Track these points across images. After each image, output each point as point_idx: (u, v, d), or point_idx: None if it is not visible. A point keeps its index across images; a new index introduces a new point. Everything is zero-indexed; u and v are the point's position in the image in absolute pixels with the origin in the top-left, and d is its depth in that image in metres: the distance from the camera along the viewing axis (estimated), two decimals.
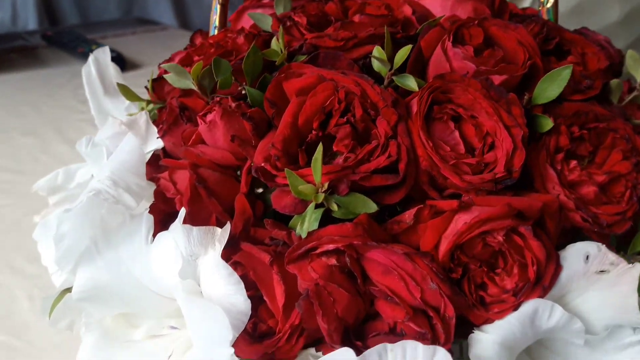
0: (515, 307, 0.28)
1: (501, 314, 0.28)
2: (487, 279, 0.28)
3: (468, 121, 0.31)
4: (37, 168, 0.91)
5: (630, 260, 0.30)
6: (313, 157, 0.27)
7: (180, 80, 0.34)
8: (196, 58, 0.38)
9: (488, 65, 0.32)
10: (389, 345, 0.25)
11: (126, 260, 0.31)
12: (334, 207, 0.28)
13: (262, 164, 0.30)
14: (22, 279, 0.63)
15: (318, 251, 0.28)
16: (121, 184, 0.32)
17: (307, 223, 0.28)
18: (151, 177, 0.35)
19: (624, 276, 0.27)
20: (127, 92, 0.40)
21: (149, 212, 0.32)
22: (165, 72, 0.36)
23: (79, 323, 0.33)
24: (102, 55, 0.47)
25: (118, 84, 0.40)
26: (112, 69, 0.47)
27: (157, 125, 0.37)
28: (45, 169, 0.61)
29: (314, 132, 0.31)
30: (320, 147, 0.27)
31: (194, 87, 0.34)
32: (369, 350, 0.25)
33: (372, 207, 0.28)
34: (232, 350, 0.25)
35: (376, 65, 0.32)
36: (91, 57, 0.46)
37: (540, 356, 0.33)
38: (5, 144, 1.02)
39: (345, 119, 0.30)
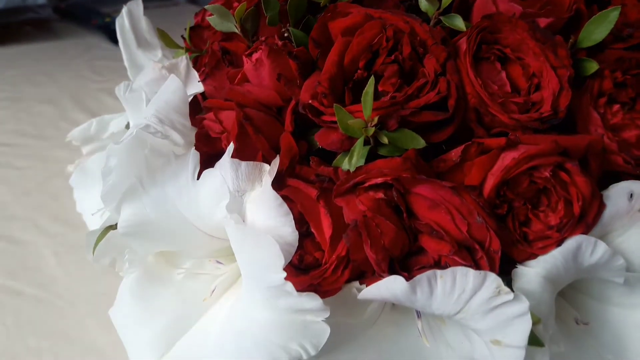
0: (559, 243, 0.28)
1: (545, 250, 0.28)
2: (532, 215, 0.29)
3: (515, 62, 0.31)
4: (56, 134, 0.91)
5: None
6: (364, 91, 0.28)
7: (223, 23, 0.35)
8: (236, 4, 0.38)
9: (534, 8, 0.32)
10: (439, 272, 0.25)
11: (172, 197, 0.31)
12: (385, 140, 0.28)
13: (310, 101, 0.30)
14: (47, 237, 0.64)
15: (366, 185, 0.28)
16: (166, 122, 0.32)
17: (355, 158, 0.28)
18: (194, 121, 0.35)
19: None
20: (165, 38, 0.40)
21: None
22: (202, 21, 0.36)
23: (120, 261, 0.34)
24: (135, 7, 0.47)
25: (158, 29, 0.40)
26: (144, 21, 0.47)
27: (197, 70, 0.37)
28: (64, 134, 0.62)
29: (359, 71, 0.31)
30: (372, 81, 0.27)
31: (237, 30, 0.34)
32: (419, 276, 0.25)
33: (421, 143, 0.28)
34: (284, 274, 0.25)
35: (423, 5, 0.32)
36: (124, 9, 0.46)
37: (576, 301, 0.33)
38: (24, 112, 1.03)
39: (392, 57, 0.30)
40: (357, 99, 0.29)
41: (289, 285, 0.25)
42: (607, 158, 0.31)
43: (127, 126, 0.43)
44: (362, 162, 0.29)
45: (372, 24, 0.30)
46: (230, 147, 0.29)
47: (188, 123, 0.34)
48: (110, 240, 0.34)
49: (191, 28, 0.40)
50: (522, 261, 0.29)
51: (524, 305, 0.25)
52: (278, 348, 0.26)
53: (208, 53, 0.36)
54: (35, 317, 0.51)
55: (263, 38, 0.32)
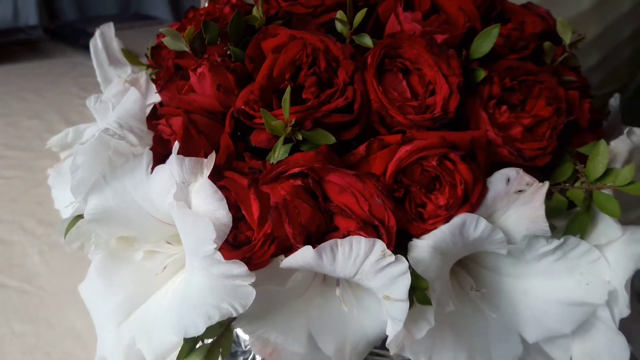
0: (447, 220, 0.34)
1: (435, 225, 0.34)
2: (425, 198, 0.35)
3: (414, 72, 0.37)
4: (41, 145, 0.97)
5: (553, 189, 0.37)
6: (283, 98, 0.34)
7: (175, 43, 0.41)
8: (188, 26, 0.44)
9: (432, 27, 0.38)
10: (339, 240, 0.31)
11: (130, 189, 0.37)
12: (299, 137, 0.34)
13: (243, 107, 0.36)
14: (33, 238, 0.69)
15: (286, 174, 0.34)
16: (125, 127, 0.38)
17: (277, 152, 0.34)
18: (151, 126, 0.41)
19: (536, 193, 0.34)
20: (130, 57, 0.46)
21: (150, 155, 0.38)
22: (162, 39, 0.42)
23: (87, 245, 0.40)
24: (107, 29, 0.53)
25: (123, 50, 0.46)
26: (115, 42, 0.53)
27: (155, 83, 0.43)
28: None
29: (285, 82, 0.37)
30: (288, 89, 0.33)
31: (187, 49, 0.40)
32: (323, 244, 0.31)
33: (331, 140, 0.34)
34: (215, 245, 0.31)
35: (339, 26, 0.38)
36: (98, 32, 0.52)
37: (478, 275, 0.39)
38: (12, 126, 1.09)
39: (312, 71, 0.36)
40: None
41: (219, 255, 0.31)
42: (495, 151, 0.37)
43: None
44: (285, 156, 0.35)
45: (295, 43, 0.37)
46: (176, 146, 0.35)
47: (145, 128, 0.39)
48: (80, 228, 0.39)
49: (152, 47, 0.46)
50: (418, 236, 0.34)
51: (404, 265, 0.31)
52: (212, 307, 0.32)
53: (164, 69, 0.42)
54: (20, 306, 0.57)
55: (206, 55, 0.38)
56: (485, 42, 0.37)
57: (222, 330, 0.35)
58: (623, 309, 0.33)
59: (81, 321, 0.54)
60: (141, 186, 0.37)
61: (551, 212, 0.37)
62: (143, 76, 0.43)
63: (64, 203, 0.44)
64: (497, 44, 0.40)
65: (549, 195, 0.37)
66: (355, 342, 0.38)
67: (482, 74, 0.37)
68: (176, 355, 0.35)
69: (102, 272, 0.38)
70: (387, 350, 0.46)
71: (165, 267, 0.37)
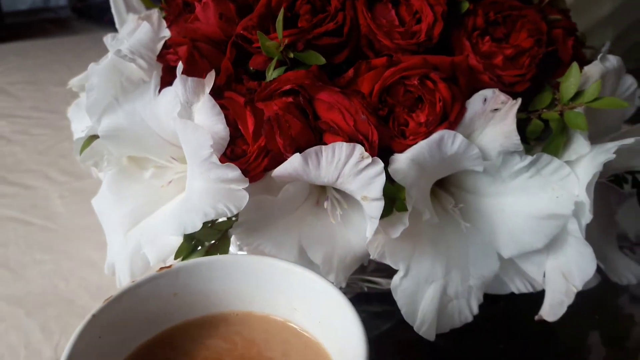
0: (427, 136, 0.36)
1: (415, 141, 0.36)
2: (408, 117, 0.37)
3: (402, 3, 0.40)
4: (66, 109, 1.03)
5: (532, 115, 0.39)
6: (276, 20, 0.37)
7: None
8: None
9: None
10: (322, 147, 0.34)
11: (139, 110, 0.41)
12: (291, 55, 0.37)
13: (242, 32, 0.39)
14: (55, 184, 0.74)
15: (279, 91, 0.37)
16: (136, 53, 0.41)
17: (271, 71, 0.37)
18: (160, 58, 0.44)
19: (511, 110, 0.36)
20: (145, 0, 0.49)
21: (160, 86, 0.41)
22: None
23: (100, 163, 0.43)
24: None
25: None
26: None
27: (166, 20, 0.46)
28: None
29: (282, 10, 0.40)
30: (282, 11, 0.37)
31: None
32: (308, 149, 0.34)
33: (321, 60, 0.37)
34: (212, 150, 0.34)
35: None
36: None
37: (461, 198, 0.42)
38: (41, 92, 1.14)
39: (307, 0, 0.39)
40: None
41: (214, 158, 0.35)
42: (476, 77, 0.39)
43: None
44: (278, 75, 0.38)
45: None
46: (180, 67, 0.38)
47: (154, 56, 0.43)
48: (94, 148, 0.43)
49: None
50: (400, 152, 0.37)
51: (379, 166, 0.33)
52: (209, 207, 0.35)
53: (172, 5, 0.45)
54: (42, 239, 0.61)
55: None
56: None
57: (220, 236, 0.39)
58: (587, 215, 0.35)
59: (98, 253, 0.58)
60: (149, 106, 0.40)
61: (530, 135, 0.39)
62: (155, 13, 0.46)
63: (81, 134, 0.47)
64: None
65: (529, 120, 0.39)
66: (343, 255, 0.41)
67: (465, 5, 0.40)
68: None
69: (113, 187, 0.42)
70: (380, 277, 0.49)
71: (170, 182, 0.41)
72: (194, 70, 0.40)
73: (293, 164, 0.35)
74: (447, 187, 0.42)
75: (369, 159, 0.33)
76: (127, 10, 0.56)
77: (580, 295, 0.38)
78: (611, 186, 0.46)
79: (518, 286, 0.42)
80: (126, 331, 0.29)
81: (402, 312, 0.39)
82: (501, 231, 0.40)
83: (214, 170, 0.35)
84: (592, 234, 0.43)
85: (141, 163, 0.43)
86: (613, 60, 0.38)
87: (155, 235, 0.39)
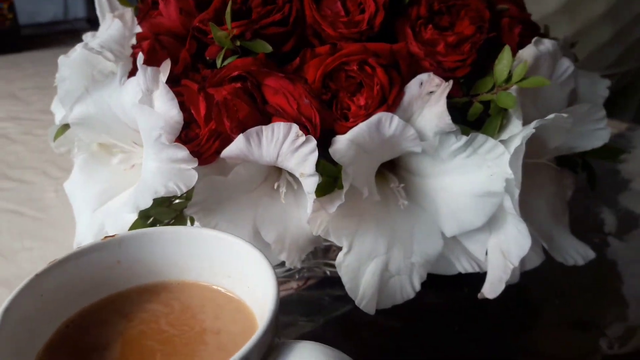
0: (366, 118, 0.39)
1: (355, 123, 0.39)
2: (350, 101, 0.39)
3: None
4: None
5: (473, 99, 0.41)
6: (226, 12, 0.39)
7: None
8: None
9: None
10: (263, 127, 0.36)
11: (106, 99, 0.44)
12: (237, 43, 0.39)
13: (198, 24, 0.42)
14: (51, 179, 0.78)
15: (228, 77, 0.39)
16: (105, 47, 0.45)
17: (221, 59, 0.40)
18: (131, 53, 0.47)
19: (443, 92, 0.38)
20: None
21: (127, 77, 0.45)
22: None
23: (73, 151, 0.46)
24: None
25: None
26: None
27: (137, 18, 0.49)
28: None
29: (237, 4, 0.42)
30: (230, 3, 0.39)
31: None
32: (249, 130, 0.36)
33: (268, 48, 0.40)
34: (162, 131, 0.37)
35: None
36: None
37: (408, 180, 0.44)
38: (49, 97, 1.18)
39: None
40: None
41: (164, 138, 0.37)
42: (418, 63, 0.41)
43: None
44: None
45: None
46: (140, 57, 0.41)
47: (123, 50, 0.46)
48: (67, 137, 0.46)
49: None
50: (343, 134, 0.39)
51: (312, 144, 0.36)
52: (160, 185, 0.38)
53: (143, 3, 0.48)
54: (33, 228, 0.65)
55: None
56: None
57: (175, 215, 0.41)
58: (515, 191, 0.37)
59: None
60: (115, 95, 0.43)
61: (471, 117, 0.41)
62: (129, 12, 0.50)
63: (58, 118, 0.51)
64: None
65: (471, 104, 0.41)
66: (296, 236, 0.43)
67: None
68: None
69: (83, 170, 0.45)
70: None
71: (133, 166, 0.44)
72: (154, 61, 0.43)
73: (238, 144, 0.37)
74: (397, 171, 0.44)
75: (303, 137, 0.36)
76: (110, 10, 0.60)
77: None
78: (562, 170, 0.47)
79: (464, 266, 0.43)
80: (69, 294, 0.31)
81: (346, 287, 0.41)
82: (443, 210, 0.42)
83: (165, 151, 0.38)
84: (540, 215, 0.44)
85: (110, 149, 0.46)
86: (548, 44, 0.40)
87: (117, 214, 0.42)
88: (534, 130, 0.36)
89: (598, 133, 0.41)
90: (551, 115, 0.36)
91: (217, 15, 0.42)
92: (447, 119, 0.38)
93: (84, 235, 0.43)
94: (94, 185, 0.44)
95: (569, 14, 1.21)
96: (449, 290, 0.49)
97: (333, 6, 0.42)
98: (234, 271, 0.33)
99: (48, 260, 0.47)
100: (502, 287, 0.40)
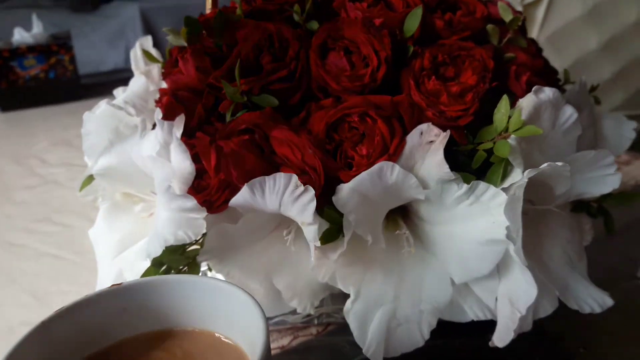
0: (368, 167, 0.40)
1: (358, 172, 0.40)
2: (353, 151, 0.41)
3: (354, 50, 0.44)
4: None
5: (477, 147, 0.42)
6: (235, 69, 0.42)
7: (176, 39, 0.50)
8: None
9: (372, 13, 0.45)
10: (265, 177, 0.38)
11: (129, 150, 0.47)
12: (244, 98, 0.42)
13: (212, 81, 0.44)
14: (91, 224, 0.82)
15: (237, 130, 0.42)
16: (129, 102, 0.48)
17: (229, 113, 0.42)
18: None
19: (442, 142, 0.39)
20: (148, 55, 0.56)
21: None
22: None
23: (98, 200, 0.49)
24: (145, 41, 0.64)
25: (143, 50, 0.57)
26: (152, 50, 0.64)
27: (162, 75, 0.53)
28: None
29: (250, 61, 0.45)
30: (238, 62, 0.42)
31: (184, 43, 0.50)
32: (253, 180, 0.38)
33: (274, 102, 0.42)
34: (172, 182, 0.39)
35: (295, 16, 0.46)
36: (137, 43, 0.64)
37: (418, 227, 0.44)
38: None
39: (269, 51, 0.44)
40: None
41: (172, 189, 0.39)
42: (422, 114, 0.42)
43: None
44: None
45: (256, 31, 0.45)
46: (158, 112, 0.44)
47: (147, 104, 0.49)
48: (93, 186, 0.49)
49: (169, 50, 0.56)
50: (347, 182, 0.40)
51: (310, 193, 0.37)
52: (169, 234, 0.40)
53: (168, 60, 0.52)
54: (70, 272, 0.68)
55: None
56: (411, 21, 0.43)
57: (188, 262, 0.43)
58: (516, 239, 0.37)
59: None
60: (137, 147, 0.46)
61: (475, 165, 0.41)
62: (155, 68, 0.53)
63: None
64: (438, 27, 0.46)
65: (475, 152, 0.42)
66: (308, 282, 0.44)
67: (410, 48, 0.43)
68: None
69: (106, 218, 0.48)
70: None
71: (151, 214, 0.46)
72: (173, 115, 0.46)
73: (243, 194, 0.39)
74: (409, 216, 0.45)
75: (302, 188, 0.37)
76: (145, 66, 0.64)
77: None
78: (578, 215, 0.46)
79: (476, 313, 0.43)
80: (76, 341, 0.33)
81: (354, 335, 0.41)
82: (451, 257, 0.42)
83: (174, 201, 0.40)
84: (553, 262, 0.44)
85: (132, 198, 0.49)
86: (548, 93, 0.40)
87: (134, 261, 0.44)
88: (526, 180, 0.36)
89: (607, 179, 0.41)
90: (544, 165, 0.36)
91: (229, 72, 0.45)
92: (445, 167, 0.38)
93: (104, 281, 0.45)
94: (115, 232, 0.47)
95: (609, 54, 1.19)
96: (467, 336, 0.48)
97: (339, 62, 0.43)
98: (233, 319, 0.34)
99: None
100: (511, 335, 0.39)
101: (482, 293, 0.42)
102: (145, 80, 0.50)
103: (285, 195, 0.38)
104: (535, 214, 0.41)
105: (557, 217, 0.44)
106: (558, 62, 0.57)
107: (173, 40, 0.51)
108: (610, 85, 1.24)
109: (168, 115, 0.45)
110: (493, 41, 0.48)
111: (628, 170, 0.90)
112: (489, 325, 0.43)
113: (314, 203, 0.37)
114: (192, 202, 0.39)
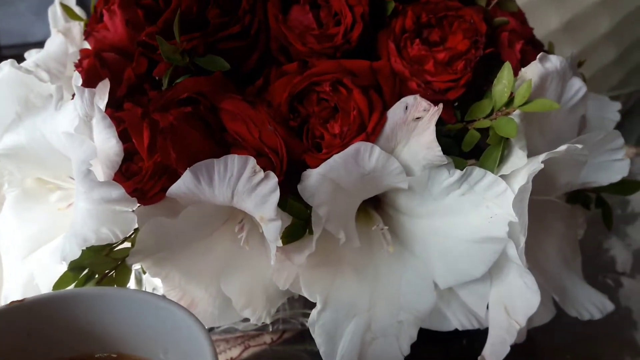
0: (342, 148, 0.32)
1: (329, 155, 0.32)
2: (322, 129, 0.33)
3: (324, 6, 0.36)
4: None
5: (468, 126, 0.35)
6: (174, 23, 0.33)
7: None
8: None
9: None
10: (214, 160, 0.30)
11: (40, 125, 0.37)
12: (187, 59, 0.33)
13: (144, 39, 0.36)
14: None
15: (177, 100, 0.33)
16: (42, 66, 0.38)
17: (167, 78, 0.34)
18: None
19: (433, 118, 0.32)
20: (69, 12, 0.46)
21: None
22: None
23: (3, 186, 0.40)
24: None
25: (62, 5, 0.47)
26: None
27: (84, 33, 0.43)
28: None
29: (193, 15, 0.36)
30: (178, 14, 0.33)
31: None
32: (197, 163, 0.30)
33: (225, 65, 0.33)
34: (91, 165, 0.31)
35: None
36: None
37: (397, 221, 0.37)
38: None
39: (216, 3, 0.36)
40: None
41: (93, 175, 0.31)
42: (404, 84, 0.35)
43: None
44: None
45: None
46: (77, 77, 0.35)
47: (64, 70, 0.40)
48: None
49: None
50: (315, 167, 0.33)
51: (273, 181, 0.29)
52: (90, 231, 0.31)
53: (91, 17, 0.42)
54: None
55: None
56: None
57: (115, 265, 0.35)
58: (520, 238, 0.31)
59: None
60: (50, 121, 0.37)
61: (466, 147, 0.35)
62: (76, 26, 0.43)
63: None
64: None
65: (465, 131, 0.35)
66: (264, 287, 0.36)
67: (392, 5, 0.36)
68: None
69: (15, 210, 0.38)
70: None
71: (70, 205, 0.37)
72: (95, 82, 0.37)
73: (185, 181, 0.31)
74: (384, 208, 0.38)
75: (262, 174, 0.29)
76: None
77: None
78: (573, 207, 0.41)
79: (462, 321, 0.37)
80: None
81: (321, 351, 0.34)
82: (436, 257, 0.35)
83: (96, 189, 0.31)
84: (549, 262, 0.38)
85: (48, 185, 0.39)
86: (555, 61, 0.34)
87: (47, 264, 0.35)
88: (542, 166, 0.30)
89: (615, 165, 0.35)
90: (563, 147, 0.30)
91: (167, 28, 0.36)
92: (437, 150, 0.31)
93: (11, 289, 0.36)
94: (26, 227, 0.38)
95: (571, 33, 1.13)
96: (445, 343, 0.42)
97: (303, 18, 0.35)
98: (172, 344, 0.26)
99: None
100: (507, 350, 0.33)
101: (469, 298, 0.35)
102: (63, 39, 0.40)
103: (239, 184, 0.30)
104: (533, 206, 0.35)
105: (553, 208, 0.38)
106: None
107: None
108: None
109: (90, 82, 0.36)
110: (481, 3, 0.41)
111: None
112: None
113: (277, 193, 0.29)
114: (118, 190, 0.31)
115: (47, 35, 0.48)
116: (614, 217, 0.44)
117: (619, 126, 0.48)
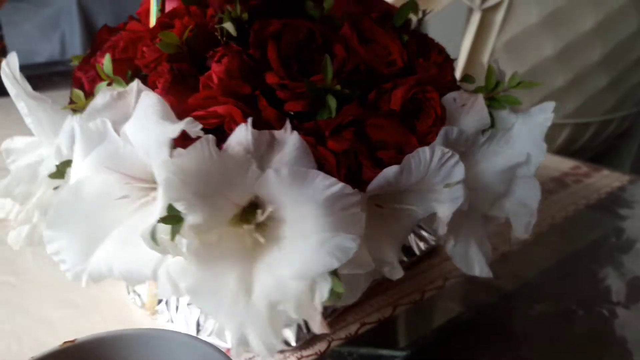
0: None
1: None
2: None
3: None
4: None
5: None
6: (322, 64, 0.42)
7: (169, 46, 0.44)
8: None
9: None
10: (410, 155, 0.42)
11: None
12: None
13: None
14: None
15: (342, 124, 0.43)
16: None
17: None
18: None
19: (477, 101, 0.49)
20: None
21: None
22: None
23: None
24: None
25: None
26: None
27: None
28: None
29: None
30: (327, 58, 0.42)
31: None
32: (404, 161, 0.41)
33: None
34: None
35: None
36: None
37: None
38: None
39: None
40: None
41: None
42: None
43: None
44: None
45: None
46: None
47: None
48: None
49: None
50: None
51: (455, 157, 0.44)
52: None
53: (156, 72, 0.44)
54: (2, 295, 0.56)
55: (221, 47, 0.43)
56: None
57: None
58: (540, 155, 0.51)
59: (57, 312, 0.54)
60: None
61: None
62: (135, 85, 0.43)
63: None
64: None
65: None
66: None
67: None
68: None
69: None
70: None
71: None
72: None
73: (387, 173, 0.41)
74: None
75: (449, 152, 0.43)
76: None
77: None
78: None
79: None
80: None
81: None
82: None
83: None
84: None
85: None
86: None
87: None
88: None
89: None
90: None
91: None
92: (487, 118, 0.49)
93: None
94: None
95: (564, 60, 1.19)
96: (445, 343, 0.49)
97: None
98: None
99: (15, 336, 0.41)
100: (532, 226, 0.50)
101: (494, 211, 0.54)
102: (159, 98, 0.41)
103: (431, 166, 0.42)
104: None
105: None
106: (515, 67, 0.62)
107: (165, 46, 0.44)
108: (564, 92, 1.23)
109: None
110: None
111: (590, 182, 0.81)
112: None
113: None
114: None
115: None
116: (609, 245, 0.56)
117: (613, 150, 0.57)
